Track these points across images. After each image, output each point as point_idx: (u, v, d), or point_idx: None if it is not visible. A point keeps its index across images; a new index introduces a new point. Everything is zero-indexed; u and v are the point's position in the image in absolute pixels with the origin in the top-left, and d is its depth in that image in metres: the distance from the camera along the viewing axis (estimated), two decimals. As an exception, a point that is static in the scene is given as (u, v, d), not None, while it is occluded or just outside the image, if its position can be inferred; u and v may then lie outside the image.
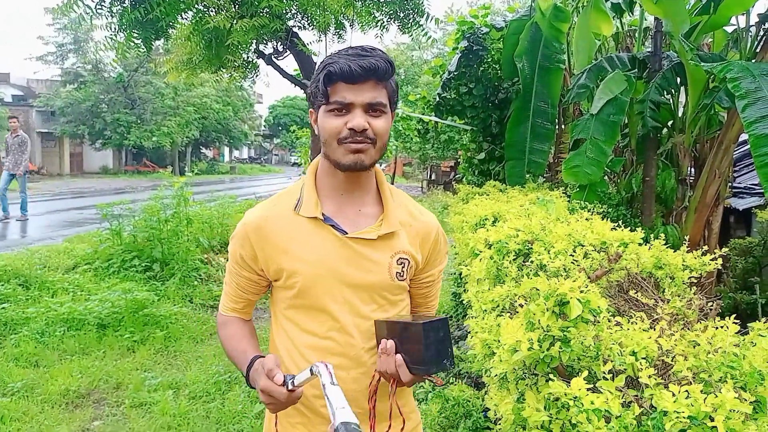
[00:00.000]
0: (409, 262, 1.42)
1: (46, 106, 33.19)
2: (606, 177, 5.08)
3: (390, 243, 1.40)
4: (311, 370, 1.20)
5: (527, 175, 5.59)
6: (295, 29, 4.75)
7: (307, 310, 1.40)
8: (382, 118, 1.33)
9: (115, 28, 4.67)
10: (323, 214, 1.38)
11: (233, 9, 4.16)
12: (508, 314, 1.76)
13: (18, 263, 6.81)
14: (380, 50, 1.32)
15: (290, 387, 1.22)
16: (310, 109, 1.43)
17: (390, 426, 1.41)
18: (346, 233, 1.38)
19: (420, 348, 1.23)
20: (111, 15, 4.59)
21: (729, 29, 4.90)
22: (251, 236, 1.40)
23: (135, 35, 4.66)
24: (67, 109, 31.86)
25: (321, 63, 1.36)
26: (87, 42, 31.79)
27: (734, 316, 1.41)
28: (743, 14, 4.51)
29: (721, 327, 1.37)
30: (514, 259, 2.12)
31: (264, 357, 1.33)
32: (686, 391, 1.07)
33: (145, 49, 4.98)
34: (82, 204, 17.64)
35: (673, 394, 1.07)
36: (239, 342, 1.46)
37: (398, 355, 1.27)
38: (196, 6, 4.30)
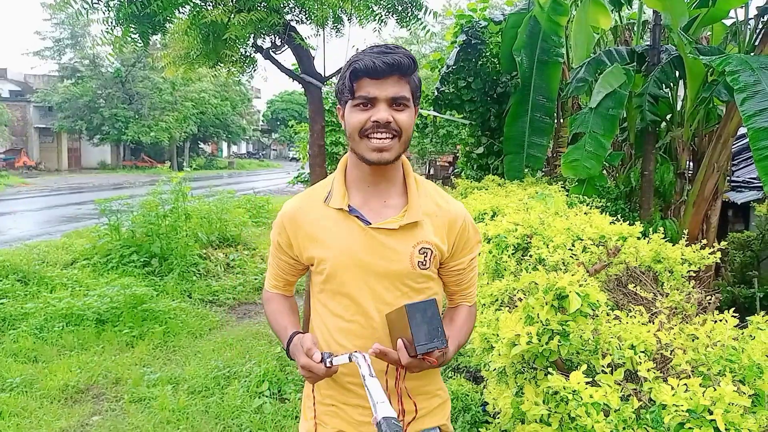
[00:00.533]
0: (432, 251, 1.45)
1: (44, 102, 33.08)
2: (605, 171, 5.08)
3: (413, 233, 1.45)
4: (350, 357, 1.29)
5: (526, 170, 5.58)
6: (293, 23, 4.73)
7: (334, 294, 1.49)
8: (405, 111, 1.38)
9: (111, 23, 4.63)
10: (349, 206, 1.46)
11: (231, 3, 4.13)
12: (507, 308, 1.76)
13: (16, 259, 6.80)
14: (403, 48, 1.39)
15: (327, 365, 1.31)
16: (338, 106, 1.49)
17: (402, 409, 1.47)
18: (370, 224, 1.44)
19: (409, 330, 1.26)
20: (108, 9, 4.56)
21: (728, 22, 4.89)
22: (287, 225, 1.52)
23: (132, 30, 4.63)
24: (65, 105, 31.77)
25: (347, 61, 1.42)
26: (84, 37, 31.67)
27: (733, 309, 1.41)
28: (742, 7, 4.50)
29: (720, 321, 1.37)
30: (512, 254, 2.12)
31: (302, 334, 1.45)
32: (685, 384, 1.07)
33: (142, 44, 4.94)
34: (80, 199, 17.61)
35: (672, 388, 1.07)
36: (281, 317, 1.59)
37: (399, 340, 1.31)
38: (193, 0, 4.28)
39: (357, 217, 1.45)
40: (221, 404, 3.88)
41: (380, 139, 1.37)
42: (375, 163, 1.40)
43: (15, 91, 35.78)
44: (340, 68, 5.11)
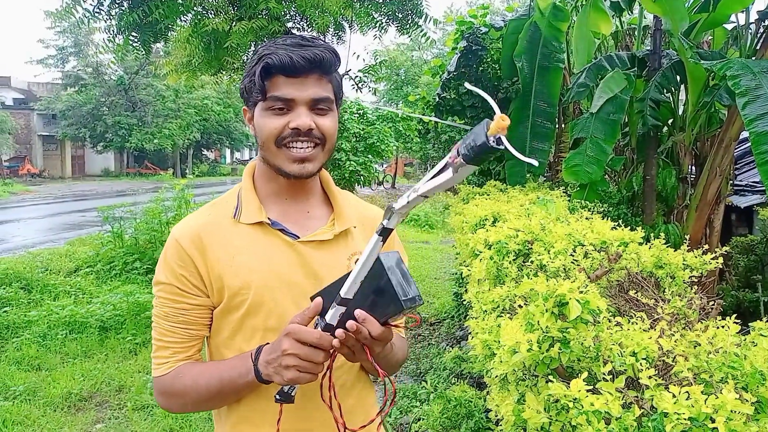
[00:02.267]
0: None
1: (48, 110, 33.29)
2: (606, 176, 5.07)
3: (346, 243, 1.28)
4: (379, 230, 0.95)
5: (527, 175, 5.58)
6: (294, 31, 4.76)
7: (257, 332, 1.21)
8: (329, 116, 1.19)
9: (113, 31, 4.67)
10: (269, 219, 1.23)
11: (232, 11, 4.17)
12: (508, 315, 1.76)
13: (20, 266, 6.82)
14: (322, 40, 1.20)
15: (323, 324, 1.01)
16: (244, 108, 1.27)
17: (384, 405, 1.19)
18: (298, 237, 1.23)
19: (383, 288, 1.01)
20: (110, 18, 4.59)
21: (729, 27, 4.89)
22: (188, 249, 1.19)
23: (133, 38, 4.67)
24: (69, 112, 31.96)
25: (255, 53, 1.19)
26: (87, 45, 31.90)
27: (736, 314, 1.41)
28: (743, 11, 4.50)
29: (722, 327, 1.36)
30: (514, 260, 2.11)
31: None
32: (687, 392, 1.07)
33: (144, 52, 4.98)
34: (84, 207, 17.66)
35: (674, 395, 1.06)
36: (217, 364, 1.22)
37: (358, 310, 1.03)
38: (194, 8, 4.31)
39: (281, 230, 1.23)
40: (224, 412, 3.88)
41: (301, 148, 1.17)
42: (296, 176, 1.20)
43: (19, 99, 36.00)
44: (342, 75, 5.16)
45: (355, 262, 1.13)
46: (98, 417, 3.96)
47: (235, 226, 1.22)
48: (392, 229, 0.95)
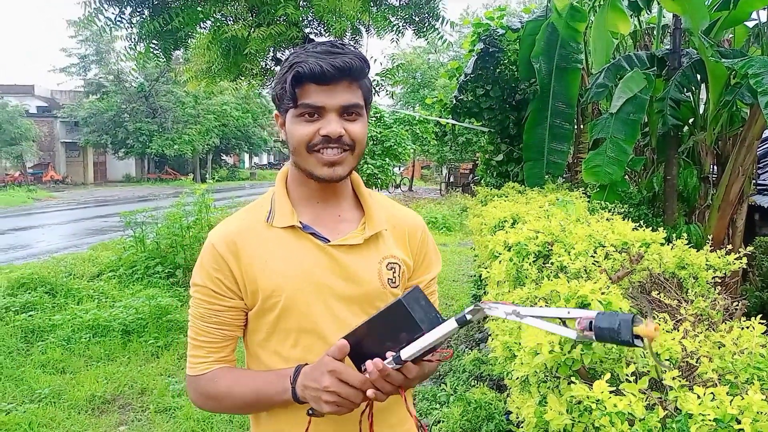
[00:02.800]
0: (399, 266, 1.29)
1: (70, 117, 33.86)
2: (627, 176, 5.03)
3: (377, 247, 1.28)
4: (461, 319, 0.97)
5: (546, 176, 5.55)
6: (312, 36, 4.79)
7: (290, 334, 1.23)
8: (358, 122, 1.20)
9: (135, 39, 4.74)
10: (301, 222, 1.24)
11: (250, 18, 4.21)
12: (529, 317, 1.76)
13: (44, 271, 6.95)
14: (352, 46, 1.21)
15: (398, 363, 1.01)
16: (276, 113, 1.29)
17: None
18: (329, 241, 1.24)
19: (411, 326, 1.04)
20: (131, 26, 4.67)
21: (750, 24, 4.82)
22: (224, 254, 1.22)
23: (154, 45, 4.74)
24: (91, 119, 32.47)
25: (286, 61, 1.21)
26: (109, 53, 32.42)
27: (760, 315, 1.39)
28: (764, 9, 4.44)
29: (747, 327, 1.35)
30: (533, 261, 2.11)
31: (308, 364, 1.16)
32: (712, 393, 1.06)
33: (164, 59, 5.05)
34: (106, 212, 17.92)
35: (699, 397, 1.05)
36: (258, 374, 1.25)
37: (387, 353, 1.06)
38: (214, 16, 4.36)
39: (312, 234, 1.24)
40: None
41: (332, 153, 1.18)
42: (326, 180, 1.21)
43: (42, 107, 36.68)
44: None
45: (387, 266, 1.24)
46: (121, 419, 4.01)
47: (268, 230, 1.24)
48: (470, 322, 0.97)
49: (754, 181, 4.87)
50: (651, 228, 2.14)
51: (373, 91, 5.55)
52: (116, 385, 4.45)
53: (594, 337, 0.86)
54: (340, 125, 1.17)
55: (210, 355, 1.27)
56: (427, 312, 1.06)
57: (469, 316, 0.96)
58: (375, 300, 1.25)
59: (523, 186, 5.48)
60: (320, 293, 1.22)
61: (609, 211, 3.46)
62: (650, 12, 5.77)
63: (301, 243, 1.23)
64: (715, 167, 4.80)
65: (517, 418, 1.72)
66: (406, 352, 1.04)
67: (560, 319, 0.89)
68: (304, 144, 1.19)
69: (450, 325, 0.99)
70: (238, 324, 1.29)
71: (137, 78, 31.83)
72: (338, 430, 1.24)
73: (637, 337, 0.83)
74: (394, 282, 1.27)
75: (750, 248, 2.06)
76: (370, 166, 8.56)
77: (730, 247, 2.01)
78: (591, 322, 0.85)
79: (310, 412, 1.13)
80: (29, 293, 6.30)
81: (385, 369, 1.04)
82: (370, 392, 1.05)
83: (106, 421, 3.96)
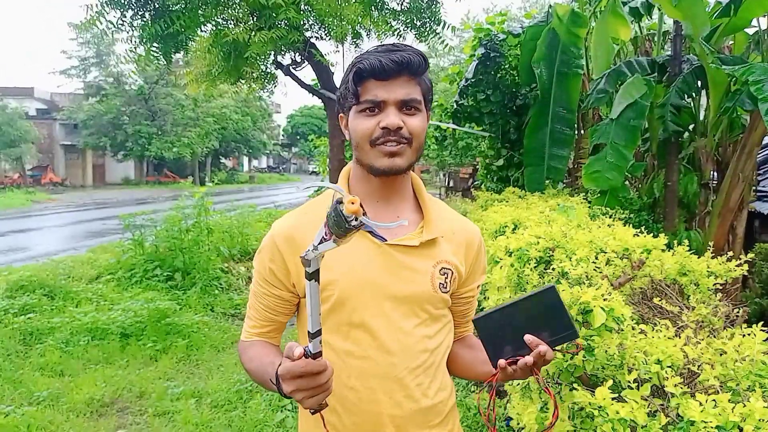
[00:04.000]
0: (452, 272, 1.30)
1: (70, 119, 33.86)
2: (627, 182, 5.03)
3: (432, 251, 1.29)
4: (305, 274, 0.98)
5: (547, 181, 5.56)
6: (313, 40, 4.79)
7: (341, 326, 1.26)
8: (417, 116, 1.23)
9: (135, 42, 4.74)
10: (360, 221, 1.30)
11: (252, 21, 4.21)
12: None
13: (43, 274, 6.93)
14: (412, 46, 1.24)
15: (312, 349, 1.02)
16: (340, 114, 1.33)
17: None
18: (385, 240, 1.26)
19: (559, 314, 1.11)
20: (132, 29, 4.67)
21: (750, 31, 4.84)
22: (281, 247, 1.28)
23: (155, 48, 4.74)
24: (90, 122, 32.47)
25: (350, 62, 1.26)
26: (109, 56, 32.44)
27: (762, 323, 1.39)
28: (765, 16, 4.45)
29: (749, 334, 1.35)
30: (535, 267, 2.10)
31: None
32: (714, 400, 1.05)
33: (165, 62, 5.05)
34: (105, 215, 17.91)
35: (701, 404, 1.05)
36: (266, 358, 1.27)
37: (527, 336, 1.12)
38: (215, 19, 4.37)
39: (370, 233, 1.25)
40: (244, 418, 3.89)
41: (391, 143, 1.21)
42: (386, 172, 1.23)
43: (42, 110, 36.68)
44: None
45: (440, 271, 1.28)
46: (120, 423, 4.00)
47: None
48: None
49: (754, 188, 4.88)
50: (652, 234, 2.14)
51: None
52: (114, 389, 4.44)
53: (336, 236, 0.91)
54: (398, 118, 1.20)
55: (254, 329, 1.36)
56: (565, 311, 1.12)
57: (307, 258, 0.99)
58: (425, 302, 1.27)
59: (523, 191, 5.48)
60: (373, 291, 1.24)
61: (610, 217, 3.46)
62: (651, 18, 5.79)
63: (358, 241, 1.24)
64: (715, 173, 4.81)
65: (518, 424, 1.72)
66: (311, 325, 1.03)
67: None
68: (365, 138, 1.22)
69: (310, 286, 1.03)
70: (284, 312, 1.35)
71: (137, 81, 31.88)
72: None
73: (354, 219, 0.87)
74: (445, 287, 1.29)
75: (751, 255, 2.06)
76: (369, 170, 8.56)
77: (731, 253, 2.01)
78: (326, 224, 0.91)
79: (311, 411, 1.12)
80: (28, 296, 6.28)
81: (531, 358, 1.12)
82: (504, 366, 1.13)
83: (104, 425, 3.95)
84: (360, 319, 1.24)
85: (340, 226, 0.88)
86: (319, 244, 0.94)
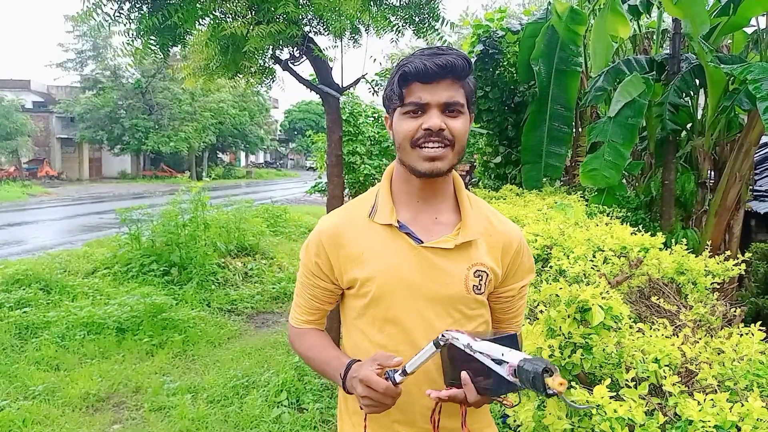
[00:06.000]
0: (487, 275, 1.32)
1: (66, 112, 33.70)
2: (624, 180, 5.04)
3: (467, 254, 1.31)
4: (436, 342, 1.09)
5: (544, 179, 5.56)
6: (311, 35, 4.76)
7: (377, 320, 1.33)
8: (459, 118, 1.25)
9: (132, 35, 4.71)
10: (398, 222, 1.32)
11: (250, 15, 4.18)
12: (528, 320, 1.75)
13: (39, 268, 6.90)
14: (456, 49, 1.27)
15: (397, 379, 1.14)
16: (385, 116, 1.37)
17: None
18: (422, 242, 1.30)
19: (486, 370, 1.10)
20: (129, 22, 4.63)
21: (749, 30, 4.84)
22: (326, 244, 1.35)
23: (152, 41, 4.70)
24: (86, 115, 32.32)
25: (396, 65, 1.30)
26: (106, 49, 32.27)
27: (759, 323, 1.39)
28: (763, 15, 4.46)
29: (746, 334, 1.35)
30: (532, 265, 2.10)
31: (360, 361, 1.28)
32: (712, 399, 1.05)
33: (162, 56, 5.01)
34: (101, 209, 17.85)
35: (699, 403, 1.05)
36: (326, 350, 1.39)
37: (463, 373, 1.15)
38: (213, 13, 4.33)
39: (407, 234, 1.31)
40: (240, 413, 3.89)
41: (432, 148, 1.24)
42: (427, 175, 1.26)
43: (38, 103, 36.50)
44: (358, 78, 5.12)
45: (474, 274, 1.30)
46: (116, 417, 3.98)
47: (369, 224, 1.33)
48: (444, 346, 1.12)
49: (750, 187, 4.89)
50: (649, 233, 2.14)
51: (372, 91, 5.53)
52: (110, 384, 4.42)
53: (518, 383, 0.98)
54: (441, 120, 1.22)
55: (302, 316, 1.46)
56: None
57: (441, 342, 1.10)
58: (458, 303, 1.30)
59: (520, 188, 5.48)
60: (407, 290, 1.29)
61: (607, 215, 3.46)
62: (650, 16, 5.79)
63: (396, 241, 1.30)
64: (713, 173, 4.81)
65: (515, 421, 1.72)
66: (410, 366, 1.15)
67: (499, 359, 1.01)
68: (408, 139, 1.25)
69: (430, 347, 1.13)
70: (327, 301, 1.43)
71: (134, 74, 31.73)
72: (409, 421, 1.34)
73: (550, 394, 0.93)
74: (479, 289, 1.31)
75: (748, 255, 2.06)
76: (367, 166, 8.54)
77: (728, 253, 2.02)
78: (516, 371, 0.97)
79: (362, 407, 1.23)
80: (23, 289, 6.25)
81: (447, 394, 1.17)
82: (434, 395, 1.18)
83: (100, 419, 3.94)
84: (394, 315, 1.30)
85: (534, 386, 0.94)
86: (478, 351, 1.04)
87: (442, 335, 1.07)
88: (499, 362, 0.99)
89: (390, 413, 1.28)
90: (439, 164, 1.25)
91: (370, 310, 1.32)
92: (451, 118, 1.24)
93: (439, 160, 1.24)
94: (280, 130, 56.24)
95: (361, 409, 1.23)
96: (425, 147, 1.24)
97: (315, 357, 1.39)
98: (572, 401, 0.98)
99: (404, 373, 1.14)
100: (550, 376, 0.92)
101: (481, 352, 1.00)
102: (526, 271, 1.40)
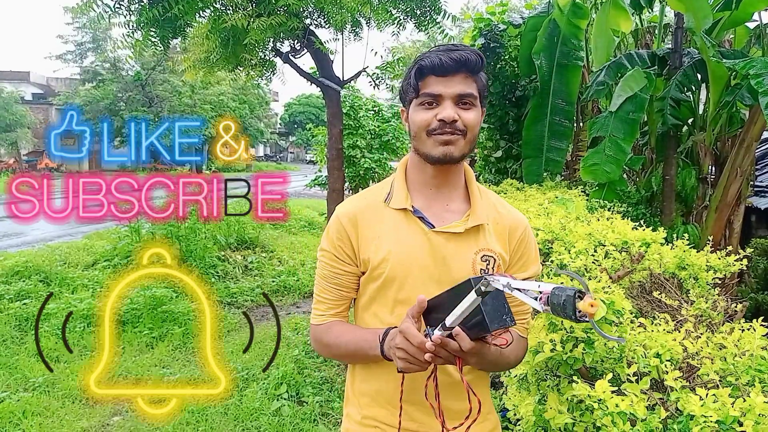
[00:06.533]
0: (495, 260, 1.37)
1: (66, 104, 33.60)
2: (625, 175, 5.03)
3: (475, 239, 1.38)
4: (478, 290, 1.05)
5: (545, 174, 5.55)
6: (312, 27, 4.74)
7: (389, 302, 1.39)
8: (472, 110, 1.33)
9: (132, 27, 4.68)
10: (413, 207, 1.39)
11: (251, 7, 4.16)
12: (529, 314, 1.75)
13: (39, 260, 6.91)
14: (470, 46, 1.36)
15: (436, 334, 1.14)
16: (401, 108, 1.45)
17: (470, 413, 1.25)
18: (434, 227, 1.37)
19: (476, 310, 1.10)
20: (129, 13, 4.61)
21: (751, 25, 4.82)
22: (346, 225, 1.41)
23: (152, 33, 4.68)
24: (86, 107, 32.24)
25: (413, 60, 1.38)
26: (105, 41, 32.16)
27: (755, 317, 1.39)
28: (766, 10, 4.44)
29: (748, 329, 1.34)
30: (533, 259, 2.10)
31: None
32: (714, 394, 1.05)
33: (162, 48, 4.99)
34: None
35: (701, 398, 1.05)
36: (359, 330, 1.44)
37: (455, 328, 1.15)
38: (213, 5, 4.31)
39: (420, 219, 1.38)
40: (240, 406, 3.90)
41: (446, 134, 1.31)
42: (440, 161, 1.34)
43: (37, 94, 36.40)
44: (359, 72, 5.11)
45: (481, 258, 1.35)
46: (115, 409, 4.00)
47: (384, 209, 1.41)
48: (486, 293, 1.06)
49: (751, 183, 4.88)
50: (651, 228, 2.14)
51: (373, 85, 5.52)
52: (110, 376, 4.44)
53: (551, 311, 0.94)
54: (454, 111, 1.30)
55: (328, 311, 1.48)
56: (495, 299, 1.11)
57: (483, 288, 1.05)
58: None
59: (521, 183, 5.47)
60: (418, 272, 1.36)
61: (609, 210, 3.46)
62: (652, 11, 5.76)
63: (410, 225, 1.38)
64: (714, 168, 4.81)
65: (515, 415, 1.72)
66: (449, 319, 1.12)
67: (538, 291, 0.98)
68: (423, 128, 1.33)
69: (471, 296, 1.08)
70: (353, 287, 1.46)
71: (134, 66, 31.62)
72: (416, 400, 1.36)
73: (582, 316, 0.91)
74: (487, 273, 1.32)
75: (750, 250, 2.06)
76: (367, 160, 8.53)
77: (730, 248, 2.01)
78: (548, 299, 0.94)
79: (399, 369, 1.23)
80: (23, 281, 6.26)
81: (439, 337, 1.14)
82: (427, 356, 1.15)
83: (100, 411, 3.95)
84: (405, 296, 1.36)
85: (564, 311, 0.92)
86: (518, 289, 1.00)
87: (485, 279, 1.04)
88: (536, 298, 0.98)
89: (398, 392, 1.34)
90: (451, 148, 1.32)
91: (382, 291, 1.39)
92: (464, 110, 1.31)
93: (452, 145, 1.31)
94: (280, 123, 56.12)
95: (399, 371, 1.24)
96: (439, 135, 1.31)
97: (350, 340, 1.42)
98: (601, 330, 0.96)
99: (443, 327, 1.13)
100: (581, 300, 0.90)
101: (519, 290, 1.00)
102: (532, 261, 1.44)
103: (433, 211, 1.40)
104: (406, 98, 1.39)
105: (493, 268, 1.36)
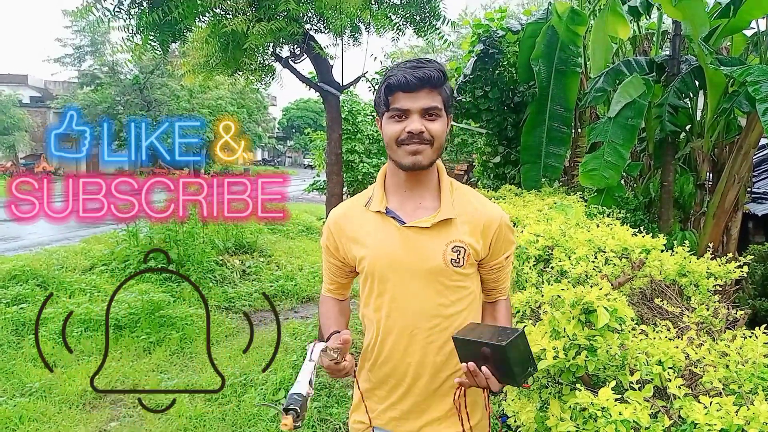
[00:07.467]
0: (465, 250, 1.52)
1: (64, 108, 33.55)
2: (623, 181, 5.04)
3: (446, 232, 1.52)
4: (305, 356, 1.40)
5: (543, 179, 5.55)
6: (312, 33, 4.75)
7: (373, 292, 1.59)
8: (437, 121, 1.48)
9: (132, 31, 4.68)
10: (386, 208, 1.57)
11: (250, 12, 4.16)
12: (530, 320, 1.75)
13: (36, 264, 6.88)
14: (435, 61, 1.50)
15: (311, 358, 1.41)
16: (377, 117, 1.60)
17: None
18: (404, 223, 1.53)
19: (506, 366, 1.25)
20: (129, 17, 4.61)
21: (748, 33, 4.85)
22: (332, 229, 1.66)
23: (152, 37, 4.68)
24: (84, 111, 32.20)
25: (383, 76, 1.54)
26: (104, 44, 32.16)
27: (764, 326, 1.39)
28: (763, 17, 4.46)
29: (750, 336, 1.34)
30: (534, 265, 2.10)
31: (339, 333, 1.52)
32: (717, 402, 1.05)
33: (161, 52, 4.99)
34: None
35: (705, 406, 1.05)
36: (327, 320, 1.71)
37: (485, 368, 1.32)
38: (213, 9, 4.31)
39: (393, 218, 1.55)
40: (238, 412, 3.88)
41: (414, 144, 1.47)
42: (410, 168, 1.50)
43: (35, 98, 36.36)
44: (358, 77, 5.11)
45: (452, 249, 1.51)
46: (113, 415, 3.97)
47: (365, 212, 1.61)
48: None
49: (748, 190, 4.89)
50: (651, 234, 2.14)
51: (372, 90, 5.51)
52: (107, 381, 4.41)
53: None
54: (421, 124, 1.46)
55: (328, 285, 1.78)
56: (523, 353, 1.26)
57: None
58: (438, 275, 1.52)
59: (520, 188, 5.48)
60: (394, 265, 1.54)
61: (608, 216, 3.46)
62: (650, 18, 5.79)
63: (385, 224, 1.56)
64: (711, 174, 4.82)
65: (515, 422, 1.71)
66: (296, 387, 1.35)
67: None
68: (394, 139, 1.49)
69: (308, 365, 1.38)
70: (342, 276, 1.74)
71: (132, 70, 31.62)
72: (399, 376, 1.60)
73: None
74: (458, 262, 1.52)
75: (749, 257, 2.06)
76: (365, 164, 8.53)
77: (730, 255, 2.01)
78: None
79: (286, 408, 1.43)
80: (20, 286, 6.23)
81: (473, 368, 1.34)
82: (456, 380, 1.43)
83: (97, 417, 3.93)
84: (384, 287, 1.56)
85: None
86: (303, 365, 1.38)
87: (308, 345, 1.40)
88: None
89: (383, 370, 1.60)
90: (420, 157, 1.48)
91: (367, 283, 1.61)
92: (430, 121, 1.47)
93: (420, 155, 1.48)
94: (278, 128, 56.11)
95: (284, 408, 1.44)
96: (408, 145, 1.47)
97: (321, 324, 1.73)
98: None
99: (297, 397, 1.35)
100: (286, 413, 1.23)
101: (302, 368, 1.33)
102: (509, 244, 1.63)
103: (405, 209, 1.56)
104: (378, 110, 1.55)
105: (463, 257, 1.52)
